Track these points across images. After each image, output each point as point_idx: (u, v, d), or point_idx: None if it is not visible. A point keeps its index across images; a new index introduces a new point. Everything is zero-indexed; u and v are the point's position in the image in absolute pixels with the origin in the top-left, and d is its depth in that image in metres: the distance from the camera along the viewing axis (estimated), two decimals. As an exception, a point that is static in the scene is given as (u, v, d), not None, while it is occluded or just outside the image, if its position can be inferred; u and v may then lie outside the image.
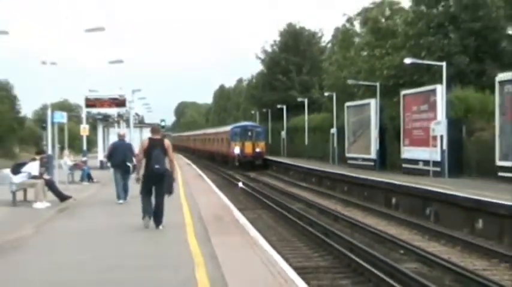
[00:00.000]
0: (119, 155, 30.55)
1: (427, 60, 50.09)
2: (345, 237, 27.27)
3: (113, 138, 66.43)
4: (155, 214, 21.33)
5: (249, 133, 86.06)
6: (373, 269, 20.58)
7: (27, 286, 13.55)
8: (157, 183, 21.15)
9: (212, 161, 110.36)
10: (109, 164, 34.59)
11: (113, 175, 31.20)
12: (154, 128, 23.45)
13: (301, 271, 16.06)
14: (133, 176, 26.16)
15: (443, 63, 46.08)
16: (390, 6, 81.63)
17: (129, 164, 29.54)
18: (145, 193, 21.49)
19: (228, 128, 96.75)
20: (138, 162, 22.34)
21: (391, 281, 18.86)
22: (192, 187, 38.53)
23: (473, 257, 24.23)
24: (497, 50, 55.90)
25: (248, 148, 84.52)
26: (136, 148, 26.63)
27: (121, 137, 33.10)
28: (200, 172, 58.61)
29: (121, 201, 29.61)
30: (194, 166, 72.75)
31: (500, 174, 37.98)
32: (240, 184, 54.77)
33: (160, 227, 21.29)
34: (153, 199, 21.36)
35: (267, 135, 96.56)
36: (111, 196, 31.11)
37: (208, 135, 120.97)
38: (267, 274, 14.38)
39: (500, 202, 28.07)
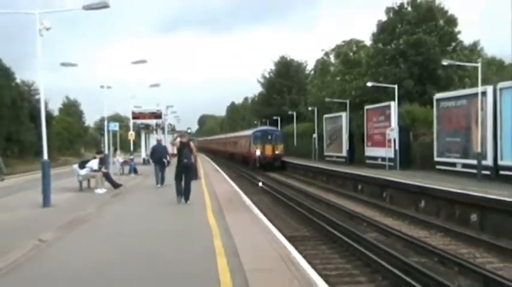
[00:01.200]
0: (157, 154, 32.34)
1: (384, 84, 50.15)
2: (323, 214, 27.37)
3: (152, 142, 67.33)
4: (185, 193, 23.14)
5: (269, 137, 72.16)
6: (344, 238, 20.69)
7: (100, 240, 14.84)
8: (186, 172, 23.02)
9: (232, 160, 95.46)
10: (151, 161, 35.65)
11: (153, 168, 33.21)
12: (183, 135, 25.36)
13: (291, 239, 16.12)
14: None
15: (395, 86, 46.25)
16: (356, 44, 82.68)
17: (164, 160, 31.67)
18: (178, 179, 23.24)
19: (249, 132, 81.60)
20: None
21: (358, 246, 18.99)
22: (212, 178, 38.53)
23: (417, 228, 24.30)
24: (435, 76, 56.28)
25: (268, 150, 71.05)
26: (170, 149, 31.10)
27: (159, 141, 36.25)
28: (218, 167, 58.14)
29: (159, 185, 31.24)
30: (214, 163, 69.01)
31: (437, 167, 38.23)
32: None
33: (188, 202, 23.03)
34: (183, 183, 23.20)
35: (284, 139, 78.47)
36: (151, 183, 32.79)
37: (230, 139, 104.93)
38: (266, 241, 14.49)
39: (437, 187, 28.21)
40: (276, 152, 70.98)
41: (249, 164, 73.96)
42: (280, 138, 73.76)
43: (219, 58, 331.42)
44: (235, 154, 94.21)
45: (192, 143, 24.04)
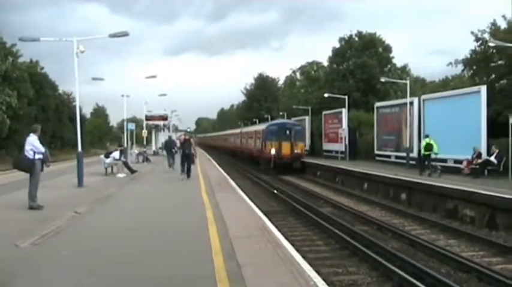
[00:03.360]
0: (168, 146, 35.87)
1: (337, 95, 50.19)
2: (290, 193, 27.37)
3: (160, 138, 68.44)
4: (187, 172, 26.04)
5: (287, 132, 45.24)
6: (306, 211, 20.71)
7: (121, 212, 15.20)
8: (188, 158, 26.27)
9: (235, 158, 68.32)
10: (164, 150, 41.01)
11: (165, 155, 36.56)
12: (186, 134, 31.73)
13: (266, 212, 16.11)
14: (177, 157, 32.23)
15: (346, 97, 46.33)
16: (317, 65, 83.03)
17: (173, 150, 34.69)
18: (182, 163, 26.58)
19: (262, 126, 52.28)
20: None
21: (316, 218, 19.02)
22: (205, 166, 38.46)
23: (362, 204, 24.34)
24: (375, 90, 56.95)
25: (286, 148, 44.33)
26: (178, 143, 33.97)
27: (170, 137, 43.30)
28: (215, 163, 57.79)
29: (170, 168, 32.84)
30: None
31: (377, 158, 38.37)
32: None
33: (190, 178, 25.70)
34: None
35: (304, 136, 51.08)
36: (159, 169, 33.96)
37: (235, 135, 72.91)
38: (247, 213, 14.52)
39: (376, 173, 28.31)
40: (296, 151, 43.99)
41: (260, 165, 46.92)
42: (300, 134, 46.37)
43: (212, 74, 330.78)
44: (240, 151, 64.63)
45: (191, 140, 28.32)
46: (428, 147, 27.46)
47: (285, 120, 54.67)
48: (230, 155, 74.03)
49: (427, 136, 28.67)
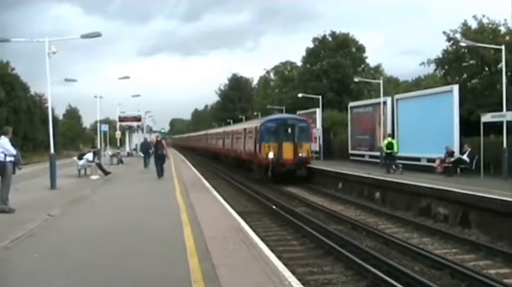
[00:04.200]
0: (145, 147, 36.70)
1: (311, 95, 50.43)
2: (265, 194, 27.36)
3: (134, 139, 68.05)
4: (161, 173, 27.01)
5: (289, 130, 34.48)
6: (281, 211, 20.77)
7: (95, 214, 15.05)
8: (161, 159, 27.51)
9: (217, 161, 58.20)
10: (140, 152, 40.89)
11: (140, 157, 37.75)
12: (158, 136, 33.67)
13: (241, 213, 16.12)
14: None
15: (320, 97, 46.52)
16: (290, 65, 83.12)
17: (150, 151, 34.75)
18: (156, 164, 27.69)
19: (255, 123, 40.11)
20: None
21: (291, 217, 19.05)
22: (181, 167, 38.35)
23: (336, 203, 24.42)
24: (349, 90, 57.49)
25: (288, 151, 33.95)
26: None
27: (145, 139, 43.91)
28: (191, 165, 57.43)
29: (146, 168, 33.83)
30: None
31: (351, 157, 38.56)
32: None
33: (162, 178, 26.59)
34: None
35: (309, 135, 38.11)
36: (133, 171, 34.03)
37: (219, 135, 58.48)
38: (221, 214, 14.53)
39: (350, 173, 28.46)
40: (300, 155, 33.59)
41: (253, 172, 37.66)
42: (307, 132, 35.73)
43: (187, 74, 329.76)
44: (224, 154, 53.46)
45: (163, 141, 29.78)
46: (390, 146, 28.04)
47: (286, 115, 43.73)
48: (211, 158, 64.10)
49: (389, 135, 29.42)
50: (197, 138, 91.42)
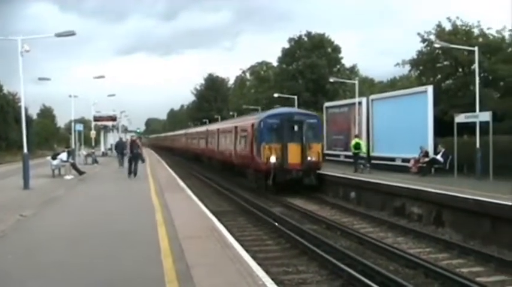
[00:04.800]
0: (120, 147, 36.81)
1: (287, 95, 50.56)
2: (241, 194, 27.28)
3: (109, 139, 67.42)
4: (134, 171, 27.41)
5: (296, 127, 27.15)
6: (256, 211, 20.75)
7: (69, 214, 14.88)
8: (136, 158, 27.69)
9: (197, 163, 52.44)
10: (115, 151, 41.63)
11: (116, 156, 37.71)
12: (132, 136, 34.28)
13: (215, 213, 16.11)
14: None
15: (295, 97, 46.73)
16: (266, 65, 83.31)
17: (124, 151, 34.34)
18: (130, 163, 27.93)
19: (251, 119, 31.18)
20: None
21: (266, 217, 19.05)
22: (157, 168, 38.21)
23: (311, 203, 24.33)
24: (325, 90, 57.67)
25: (294, 154, 26.88)
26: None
27: (120, 139, 43.87)
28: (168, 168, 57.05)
29: (121, 167, 33.63)
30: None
31: (326, 157, 38.55)
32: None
33: (136, 177, 26.92)
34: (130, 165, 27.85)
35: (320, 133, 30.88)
36: (108, 171, 33.73)
37: (202, 134, 51.45)
38: (196, 214, 14.51)
39: (326, 173, 28.32)
40: (309, 159, 27.19)
41: (248, 179, 30.83)
42: (316, 130, 28.69)
43: (163, 74, 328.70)
44: (208, 156, 47.17)
45: (138, 141, 29.94)
46: (357, 146, 28.52)
47: (291, 109, 35.19)
48: (193, 160, 57.71)
49: (356, 136, 29.86)
50: (176, 138, 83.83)
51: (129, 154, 28.99)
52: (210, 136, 45.72)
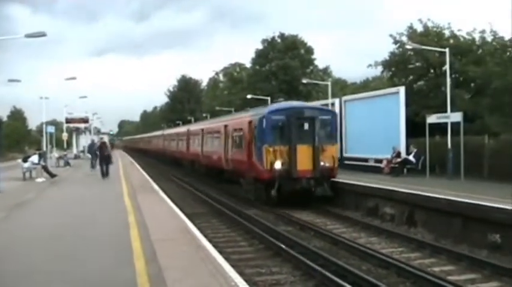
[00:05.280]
0: (92, 149, 35.46)
1: (260, 96, 50.59)
2: (215, 196, 27.13)
3: (81, 141, 66.91)
4: (106, 172, 28.67)
5: (306, 125, 21.86)
6: (230, 213, 20.73)
7: (40, 217, 14.64)
8: (106, 159, 29.18)
9: (178, 167, 48.71)
10: (87, 154, 40.10)
11: (89, 158, 36.41)
12: (101, 138, 35.72)
13: (189, 215, 16.07)
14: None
15: (269, 98, 46.78)
16: (239, 66, 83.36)
17: (97, 153, 32.41)
18: (101, 164, 29.11)
19: (248, 116, 25.81)
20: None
21: (240, 219, 19.06)
22: (128, 169, 38.00)
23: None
24: (298, 91, 57.69)
25: (304, 159, 21.67)
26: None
27: (92, 141, 41.21)
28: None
29: (93, 169, 33.14)
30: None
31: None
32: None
33: (107, 178, 27.87)
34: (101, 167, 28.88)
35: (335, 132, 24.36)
36: (80, 173, 33.51)
37: (182, 135, 46.61)
38: (169, 217, 14.45)
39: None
40: (322, 164, 22.04)
41: (243, 189, 26.10)
42: (332, 129, 23.55)
43: (137, 75, 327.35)
44: (190, 159, 42.63)
45: (107, 143, 32.08)
46: None
47: (300, 103, 28.74)
48: (172, 164, 53.73)
49: None
50: (152, 140, 78.77)
51: (99, 156, 30.14)
52: (193, 137, 40.96)
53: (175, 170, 47.63)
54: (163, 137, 62.95)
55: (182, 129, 50.43)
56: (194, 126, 44.59)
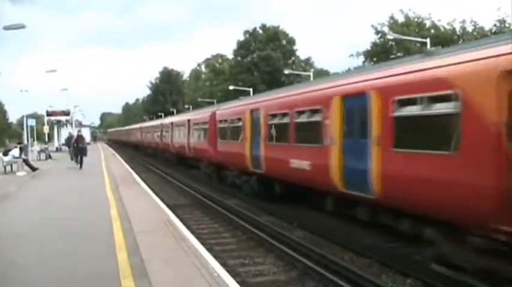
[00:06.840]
0: (70, 141, 36.19)
1: (242, 87, 50.66)
2: (198, 188, 27.14)
3: (63, 134, 66.47)
4: (80, 163, 30.49)
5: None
6: (212, 204, 20.75)
7: (21, 211, 14.68)
8: (81, 151, 30.94)
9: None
10: (66, 146, 41.96)
11: (68, 151, 37.69)
12: (79, 131, 35.50)
13: (172, 206, 16.10)
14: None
15: (251, 89, 46.80)
16: (221, 57, 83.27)
17: (74, 145, 33.49)
18: (76, 155, 31.41)
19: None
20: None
21: (223, 210, 19.07)
22: (110, 161, 37.91)
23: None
24: (280, 82, 57.62)
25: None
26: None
27: (70, 133, 42.51)
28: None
29: (73, 162, 33.09)
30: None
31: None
32: None
33: (82, 168, 29.66)
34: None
35: None
36: (64, 166, 33.50)
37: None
38: (152, 208, 14.46)
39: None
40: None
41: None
42: None
43: (119, 67, 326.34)
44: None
45: (83, 136, 32.99)
46: None
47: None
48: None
49: None
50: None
51: (75, 147, 32.00)
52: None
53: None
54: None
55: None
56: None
